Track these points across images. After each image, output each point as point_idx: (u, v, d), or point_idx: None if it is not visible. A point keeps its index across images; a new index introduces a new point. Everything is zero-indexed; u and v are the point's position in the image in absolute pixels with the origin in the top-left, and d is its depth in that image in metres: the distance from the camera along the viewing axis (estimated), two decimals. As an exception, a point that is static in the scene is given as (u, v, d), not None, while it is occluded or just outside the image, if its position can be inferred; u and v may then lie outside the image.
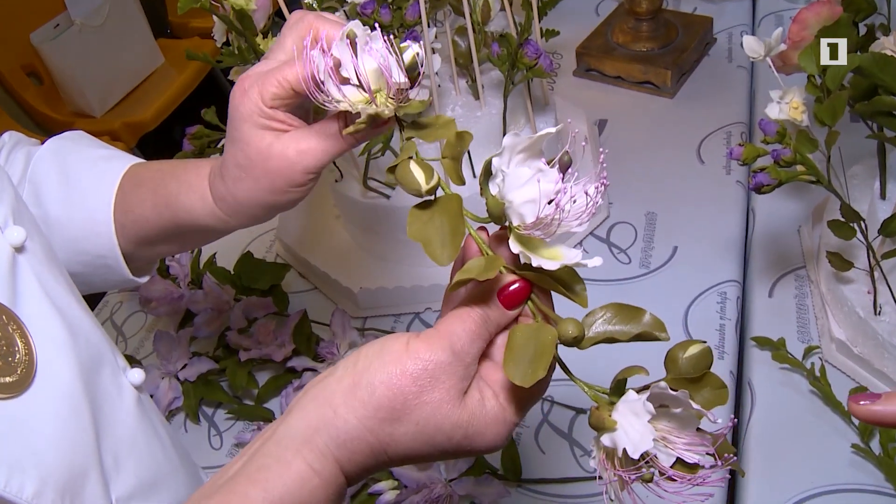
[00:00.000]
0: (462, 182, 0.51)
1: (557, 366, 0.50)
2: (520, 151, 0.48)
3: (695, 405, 0.45)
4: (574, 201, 0.47)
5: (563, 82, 1.36)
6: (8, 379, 0.48)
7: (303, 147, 0.57)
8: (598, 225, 1.10)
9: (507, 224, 0.49)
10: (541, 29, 1.04)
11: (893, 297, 0.85)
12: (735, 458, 0.46)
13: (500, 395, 0.49)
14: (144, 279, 0.74)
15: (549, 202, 0.46)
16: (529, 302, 0.50)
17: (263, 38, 0.96)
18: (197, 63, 2.29)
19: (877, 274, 0.86)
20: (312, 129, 0.57)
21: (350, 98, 0.51)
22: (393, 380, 0.46)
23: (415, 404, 0.46)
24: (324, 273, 1.08)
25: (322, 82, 0.51)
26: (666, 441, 0.46)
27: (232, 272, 1.10)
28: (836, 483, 0.80)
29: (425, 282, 1.03)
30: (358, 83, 0.51)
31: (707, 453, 0.46)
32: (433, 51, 0.93)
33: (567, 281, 0.48)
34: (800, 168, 0.75)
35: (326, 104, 0.51)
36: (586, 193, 0.47)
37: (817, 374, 0.87)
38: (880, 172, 0.91)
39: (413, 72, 0.52)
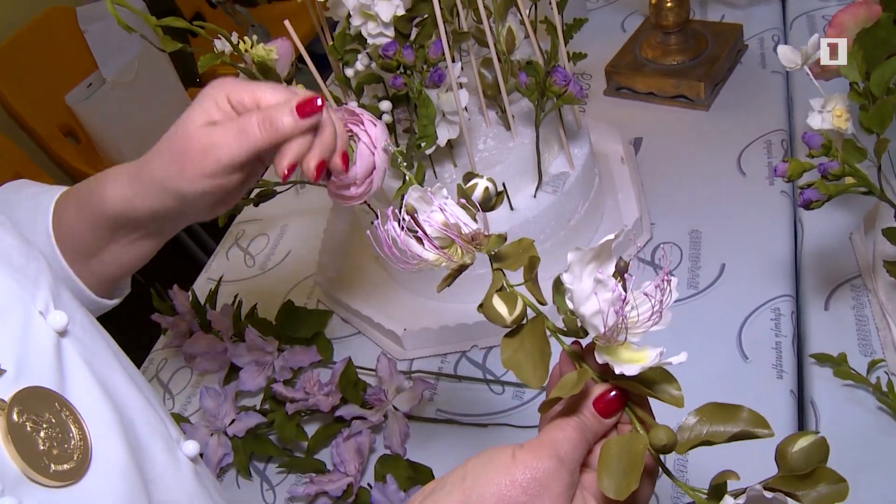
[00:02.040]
0: (543, 303, 0.53)
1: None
2: (589, 262, 0.49)
3: None
4: (639, 305, 0.48)
5: (595, 103, 1.34)
6: (66, 466, 0.48)
7: (217, 138, 0.61)
8: (642, 247, 1.08)
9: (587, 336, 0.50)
10: (567, 53, 1.02)
11: (958, 303, 0.82)
12: None
13: None
14: (114, 301, 0.76)
15: (619, 315, 0.47)
16: (627, 408, 0.51)
17: (288, 85, 0.96)
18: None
19: (938, 280, 0.83)
20: (233, 124, 0.61)
21: (431, 258, 0.54)
22: (503, 490, 0.46)
23: None
24: (366, 317, 1.06)
25: (403, 251, 0.54)
26: None
27: (274, 322, 1.09)
28: (907, 502, 0.77)
29: (470, 319, 1.01)
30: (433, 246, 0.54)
31: None
32: (460, 86, 0.91)
33: (659, 382, 0.49)
34: (849, 180, 0.72)
35: (408, 268, 0.54)
36: (646, 295, 0.48)
37: (884, 388, 0.84)
38: (930, 174, 0.88)
39: (488, 203, 0.55)
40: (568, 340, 0.53)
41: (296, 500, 0.94)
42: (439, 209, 0.53)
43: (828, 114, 0.80)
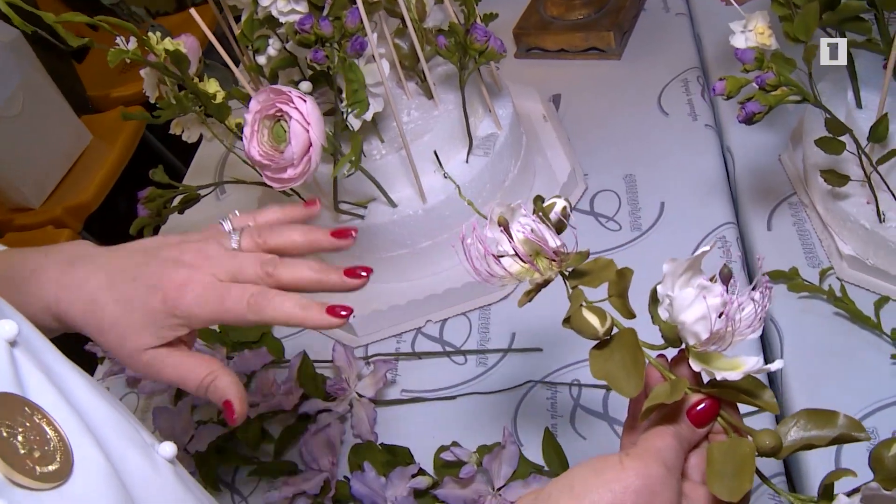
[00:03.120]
0: (632, 316, 0.54)
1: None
2: (682, 274, 0.50)
3: None
4: (742, 309, 0.49)
5: (508, 67, 1.33)
6: (51, 468, 0.45)
7: (164, 372, 0.62)
8: (578, 199, 1.07)
9: (683, 346, 0.51)
10: (478, 16, 1.01)
11: (896, 201, 0.84)
12: None
13: None
14: None
15: (720, 315, 0.48)
16: (719, 417, 0.51)
17: (200, 80, 0.92)
18: (127, 132, 2.23)
19: (874, 182, 0.84)
20: (181, 366, 0.62)
21: (514, 272, 0.55)
22: (618, 497, 0.46)
23: None
24: (313, 309, 1.03)
25: (485, 267, 0.55)
26: None
27: (218, 330, 1.05)
28: (883, 398, 0.78)
29: (419, 294, 0.99)
30: (518, 258, 0.55)
31: None
32: (378, 57, 0.89)
33: (752, 390, 0.50)
34: (783, 90, 0.73)
35: (493, 283, 0.56)
36: (752, 300, 0.49)
37: (838, 293, 0.85)
38: (852, 82, 0.89)
39: (562, 225, 0.57)
40: (653, 353, 0.53)
41: (271, 507, 0.90)
42: (531, 220, 0.54)
43: (750, 33, 0.80)
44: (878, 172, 0.83)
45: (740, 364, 0.48)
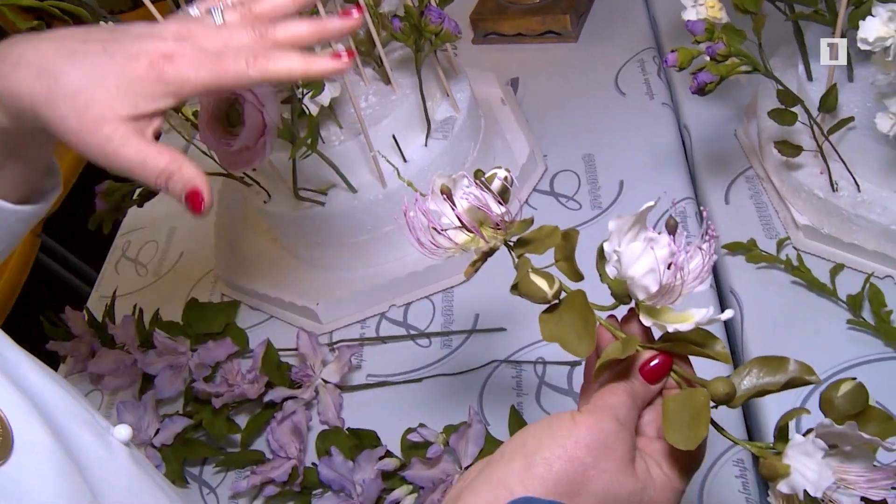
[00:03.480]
0: (580, 278, 0.53)
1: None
2: (628, 230, 0.49)
3: (867, 435, 0.43)
4: (691, 260, 0.49)
5: (466, 53, 1.34)
6: None
7: (123, 153, 0.52)
8: (538, 180, 1.08)
9: (633, 302, 0.51)
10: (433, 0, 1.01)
11: (847, 170, 0.85)
12: None
13: (662, 465, 0.49)
14: (38, 206, 0.65)
15: (668, 267, 0.48)
16: (672, 372, 0.51)
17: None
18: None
19: (826, 152, 0.86)
20: (142, 151, 0.53)
21: (459, 242, 0.54)
22: (570, 451, 0.46)
23: (593, 474, 0.46)
24: (277, 298, 1.03)
25: (429, 239, 0.54)
26: (845, 482, 0.45)
27: (181, 322, 1.05)
28: (841, 362, 0.79)
29: (382, 279, 0.99)
30: (463, 227, 0.54)
31: (893, 487, 0.44)
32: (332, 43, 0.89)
33: (703, 342, 0.49)
34: (734, 61, 0.73)
35: (439, 255, 0.54)
36: (700, 249, 0.49)
37: (795, 263, 0.86)
38: (802, 54, 0.91)
39: (506, 193, 0.55)
40: (603, 314, 0.53)
41: (240, 496, 0.90)
42: (474, 187, 0.53)
43: (701, 6, 0.81)
44: (829, 142, 0.84)
45: (690, 316, 0.48)
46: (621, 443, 0.47)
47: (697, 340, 0.49)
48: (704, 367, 0.51)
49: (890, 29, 0.65)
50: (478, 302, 0.97)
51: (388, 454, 0.84)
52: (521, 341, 0.91)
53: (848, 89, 0.88)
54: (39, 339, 1.09)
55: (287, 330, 1.03)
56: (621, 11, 1.30)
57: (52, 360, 1.13)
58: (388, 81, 0.99)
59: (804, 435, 0.46)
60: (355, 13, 0.58)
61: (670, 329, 0.48)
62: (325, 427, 0.90)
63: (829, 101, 0.83)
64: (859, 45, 0.68)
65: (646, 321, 0.50)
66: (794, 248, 0.90)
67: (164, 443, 0.93)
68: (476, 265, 0.55)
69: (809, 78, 0.91)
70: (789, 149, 0.87)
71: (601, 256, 0.51)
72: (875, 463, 0.45)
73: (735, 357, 0.85)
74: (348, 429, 0.89)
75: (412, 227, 0.53)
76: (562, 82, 1.22)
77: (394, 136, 0.96)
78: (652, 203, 0.50)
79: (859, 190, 0.86)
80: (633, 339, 0.50)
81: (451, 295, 1.00)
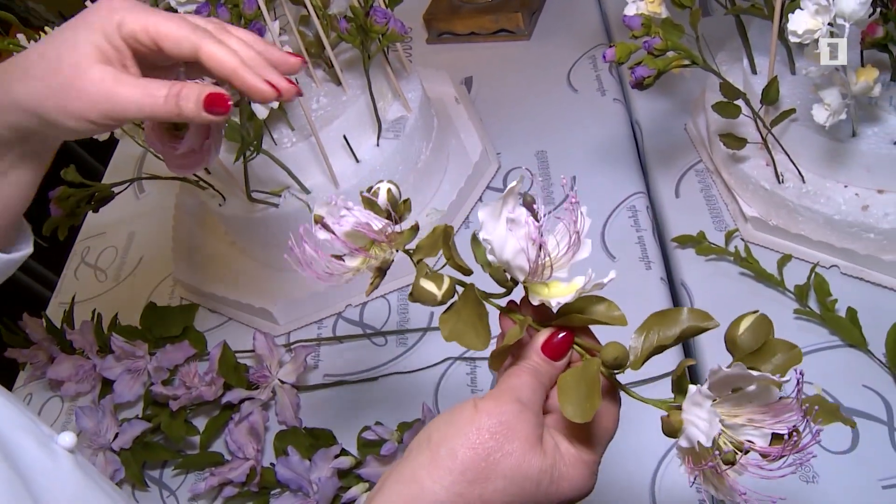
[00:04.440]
0: (469, 272, 0.53)
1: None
2: (499, 216, 0.48)
3: (757, 372, 0.44)
4: (557, 233, 0.49)
5: (420, 53, 1.34)
6: None
7: (120, 93, 0.53)
8: (492, 177, 1.09)
9: (518, 284, 0.50)
10: (383, 1, 1.01)
11: (791, 161, 0.86)
12: (817, 409, 0.45)
13: (571, 439, 0.49)
14: (18, 254, 0.67)
15: (538, 245, 0.47)
16: (574, 345, 0.51)
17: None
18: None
19: (770, 144, 0.87)
20: (139, 83, 0.54)
21: (355, 265, 0.53)
22: (472, 439, 0.46)
23: (499, 457, 0.46)
24: (234, 301, 1.03)
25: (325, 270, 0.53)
26: (754, 423, 0.46)
27: (139, 327, 1.05)
28: (789, 352, 0.80)
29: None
30: (350, 251, 0.53)
31: (798, 417, 0.45)
32: (281, 45, 0.89)
33: (597, 308, 0.49)
34: (672, 55, 0.75)
35: (335, 281, 0.53)
36: (559, 218, 0.49)
37: (743, 254, 0.88)
38: (745, 49, 0.92)
39: (396, 204, 0.54)
40: (501, 302, 0.53)
41: (199, 498, 0.90)
42: (347, 210, 0.52)
43: (641, 2, 0.82)
44: (772, 134, 0.85)
45: (575, 284, 0.48)
46: (524, 423, 0.47)
47: (592, 308, 0.49)
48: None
49: (818, 21, 0.66)
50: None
51: (344, 452, 0.84)
52: (475, 337, 0.92)
53: (790, 82, 0.89)
54: (-2, 347, 1.08)
55: (245, 332, 1.03)
56: (573, 8, 1.32)
57: (11, 368, 1.13)
58: (338, 82, 1.00)
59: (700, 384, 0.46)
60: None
61: (553, 303, 0.48)
62: (283, 427, 0.91)
63: (770, 94, 0.84)
64: (790, 37, 0.69)
65: (534, 300, 0.49)
66: (743, 239, 0.92)
67: (123, 446, 0.93)
68: (374, 282, 0.54)
69: (754, 71, 0.93)
70: (734, 141, 0.88)
71: (477, 245, 0.51)
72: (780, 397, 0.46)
73: (686, 349, 0.86)
74: (305, 428, 0.89)
75: (303, 261, 0.52)
76: (515, 80, 1.23)
77: (345, 137, 0.96)
78: (515, 184, 0.48)
79: (804, 181, 0.87)
80: (525, 320, 0.50)
81: (407, 293, 1.00)
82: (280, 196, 0.98)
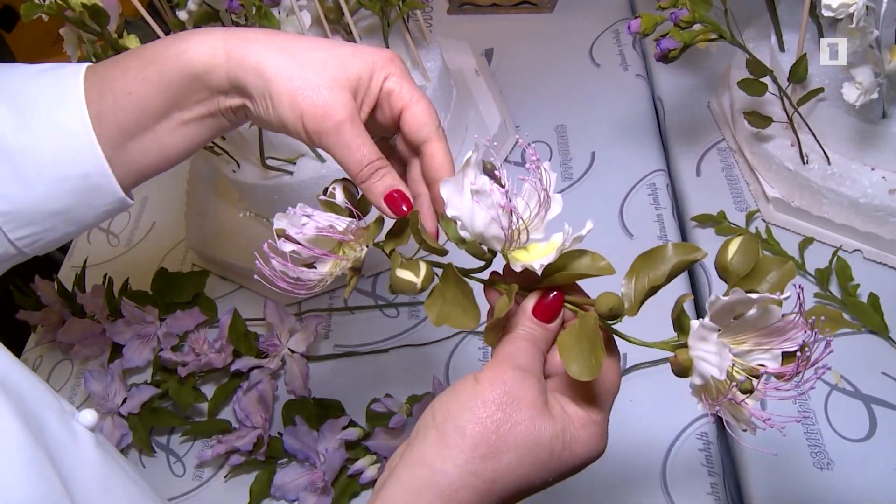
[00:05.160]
0: (444, 252, 0.52)
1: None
2: (463, 186, 0.47)
3: (756, 294, 0.43)
4: (524, 195, 0.48)
5: (441, 23, 1.32)
6: None
7: (348, 133, 0.52)
8: (510, 150, 1.07)
9: (497, 254, 0.50)
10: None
11: (817, 142, 0.84)
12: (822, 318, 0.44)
13: (577, 401, 0.48)
14: (133, 202, 0.63)
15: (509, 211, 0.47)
16: (565, 304, 0.50)
17: (119, 37, 0.90)
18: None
19: (796, 124, 0.85)
20: (366, 135, 0.53)
21: (327, 270, 0.52)
22: (478, 413, 0.45)
23: (508, 429, 0.45)
24: (246, 268, 1.02)
25: (297, 279, 0.51)
26: (762, 345, 0.45)
27: (150, 292, 1.04)
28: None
29: (352, 250, 0.98)
30: (318, 257, 0.52)
31: (805, 331, 0.43)
32: (299, 11, 0.87)
33: (582, 262, 0.48)
34: (699, 28, 0.73)
35: (311, 288, 0.52)
36: (524, 179, 0.48)
37: (764, 236, 0.86)
38: (774, 25, 0.90)
39: (355, 200, 0.54)
40: (483, 275, 0.52)
41: (206, 465, 0.90)
42: (308, 217, 0.51)
43: (668, -27, 0.80)
44: (798, 113, 0.83)
45: (555, 243, 0.47)
46: (528, 389, 0.46)
47: (577, 263, 0.48)
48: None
49: (853, -5, 0.64)
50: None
51: (352, 424, 0.84)
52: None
53: (819, 60, 0.87)
54: (8, 309, 1.08)
55: (257, 300, 1.03)
56: (598, -19, 1.29)
57: (22, 330, 1.12)
58: (357, 50, 0.98)
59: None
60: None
61: (537, 266, 0.47)
62: (292, 397, 0.90)
63: (798, 72, 0.82)
64: (823, 11, 0.67)
65: (517, 267, 0.48)
66: (764, 220, 0.90)
67: (132, 411, 0.93)
68: (351, 282, 0.53)
69: (781, 48, 0.91)
70: (759, 120, 0.86)
71: (447, 223, 0.50)
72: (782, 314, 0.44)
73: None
74: (314, 398, 0.89)
75: (272, 276, 0.51)
76: (536, 53, 1.21)
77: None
78: (471, 153, 0.47)
79: (829, 162, 0.85)
80: (511, 288, 0.49)
81: (421, 266, 0.99)
82: (294, 164, 0.97)
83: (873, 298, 0.79)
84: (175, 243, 1.16)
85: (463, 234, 0.49)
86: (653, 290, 0.47)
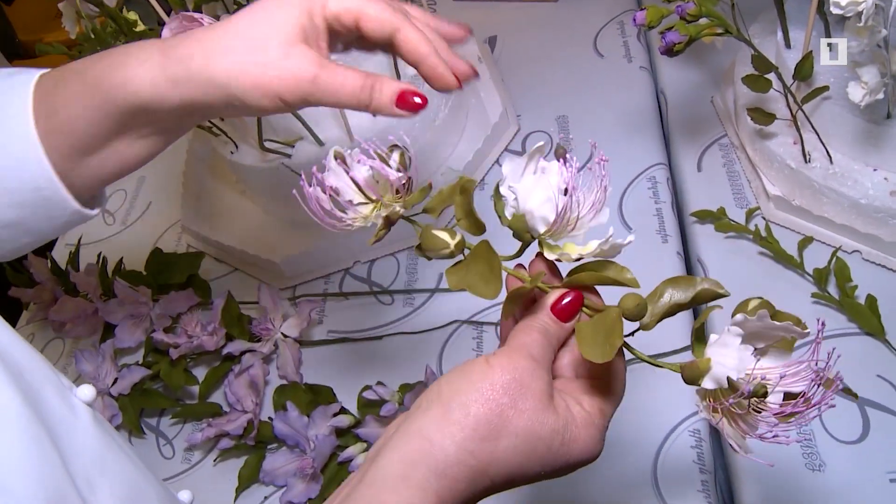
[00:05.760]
0: (482, 230, 0.52)
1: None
2: (523, 172, 0.49)
3: (778, 322, 0.43)
4: (584, 187, 0.48)
5: (445, 9, 1.31)
6: None
7: (325, 77, 0.53)
8: (510, 140, 1.06)
9: (536, 243, 0.51)
10: (408, -50, 0.98)
11: (820, 141, 0.84)
12: (840, 380, 0.44)
13: (582, 402, 0.49)
14: (96, 211, 0.64)
15: (564, 193, 0.47)
16: (583, 308, 0.51)
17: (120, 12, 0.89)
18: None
19: (799, 122, 0.84)
20: (341, 69, 0.54)
21: (362, 213, 0.52)
22: (486, 394, 0.45)
23: (511, 414, 0.45)
24: (241, 251, 1.01)
25: (332, 211, 0.52)
26: (765, 381, 0.44)
27: (144, 272, 1.03)
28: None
29: (347, 234, 0.97)
30: (361, 193, 0.52)
31: (811, 377, 0.44)
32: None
33: (611, 273, 0.49)
34: (705, 22, 0.72)
35: (345, 228, 0.53)
36: (590, 170, 0.49)
37: (763, 234, 0.85)
38: (780, 21, 0.89)
39: (407, 168, 0.53)
40: (510, 265, 0.52)
41: (195, 449, 0.89)
42: (366, 155, 0.51)
43: (676, -35, 0.79)
44: (802, 111, 0.83)
45: (592, 244, 0.48)
46: (538, 380, 0.47)
47: (606, 271, 0.49)
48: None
49: (862, -7, 0.63)
50: (442, 261, 0.96)
51: (344, 411, 0.83)
52: (483, 302, 0.90)
53: (825, 58, 0.86)
54: (2, 285, 1.07)
55: (251, 283, 1.02)
56: (605, -29, 1.28)
57: (15, 307, 1.12)
58: (360, 33, 0.97)
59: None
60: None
61: (574, 256, 0.48)
62: (283, 382, 0.90)
63: (804, 69, 0.81)
64: (831, 9, 0.66)
65: (550, 256, 0.49)
66: (764, 218, 0.89)
67: (122, 392, 0.92)
68: (380, 234, 0.53)
69: (787, 45, 0.90)
70: (762, 116, 0.85)
71: (498, 198, 0.51)
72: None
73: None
74: (305, 384, 0.88)
75: (310, 198, 0.52)
76: (540, 42, 1.20)
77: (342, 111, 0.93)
78: (541, 143, 0.49)
79: (831, 162, 0.84)
80: (538, 276, 0.50)
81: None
82: (293, 146, 0.96)
83: (871, 300, 0.78)
84: (170, 224, 1.15)
85: (508, 211, 0.50)
86: (676, 309, 0.48)
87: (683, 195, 0.95)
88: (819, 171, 0.84)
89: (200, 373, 0.93)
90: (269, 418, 0.86)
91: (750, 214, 0.88)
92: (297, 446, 0.83)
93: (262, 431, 0.85)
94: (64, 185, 0.58)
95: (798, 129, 0.85)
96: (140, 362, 0.95)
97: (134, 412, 0.92)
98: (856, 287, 0.80)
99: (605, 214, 0.49)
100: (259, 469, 0.84)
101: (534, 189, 0.47)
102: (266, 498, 0.83)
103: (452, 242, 0.51)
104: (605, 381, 0.49)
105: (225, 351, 0.91)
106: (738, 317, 0.43)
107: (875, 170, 0.83)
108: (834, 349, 0.44)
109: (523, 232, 0.50)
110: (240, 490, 0.83)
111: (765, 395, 0.44)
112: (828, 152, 0.84)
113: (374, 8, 0.55)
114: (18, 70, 0.60)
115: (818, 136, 0.83)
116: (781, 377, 0.44)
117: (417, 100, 0.54)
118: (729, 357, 0.44)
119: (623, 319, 0.47)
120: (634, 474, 0.75)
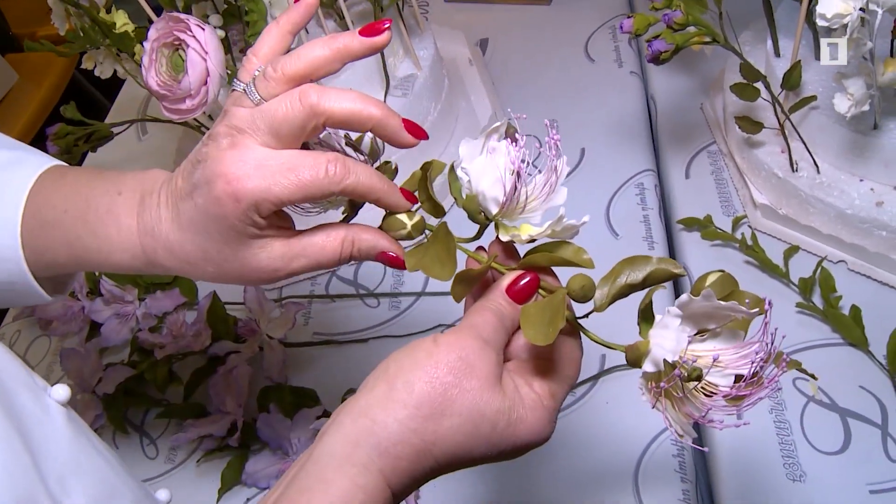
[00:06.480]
0: (442, 213, 0.53)
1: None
2: (481, 149, 0.49)
3: (724, 303, 0.43)
4: (533, 167, 0.49)
5: (437, 11, 1.31)
6: None
7: (298, 265, 0.52)
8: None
9: (490, 222, 0.50)
10: (399, -47, 0.98)
11: (808, 150, 0.84)
12: (787, 358, 0.45)
13: (532, 384, 0.49)
14: (61, 297, 0.64)
15: (514, 174, 0.47)
16: (539, 291, 0.50)
17: (108, 13, 0.89)
18: (55, 72, 2.17)
19: (787, 131, 0.84)
20: (312, 249, 0.52)
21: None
22: (430, 372, 0.45)
23: (456, 393, 0.45)
24: (228, 251, 1.01)
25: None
26: (716, 363, 0.44)
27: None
28: (787, 346, 0.78)
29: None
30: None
31: (762, 360, 0.44)
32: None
33: (566, 252, 0.48)
34: (692, 30, 0.72)
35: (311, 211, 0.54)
36: (538, 148, 0.51)
37: (749, 242, 0.85)
38: (770, 30, 0.89)
39: (375, 155, 0.54)
40: (470, 247, 0.53)
41: (179, 449, 0.89)
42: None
43: (665, -27, 0.79)
44: (790, 120, 0.83)
45: (544, 227, 0.48)
46: (485, 360, 0.46)
47: (562, 252, 0.48)
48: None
49: (848, 5, 0.63)
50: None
51: (326, 414, 0.83)
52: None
53: (814, 68, 0.86)
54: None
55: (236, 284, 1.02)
56: (597, -25, 1.28)
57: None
58: (349, 35, 0.97)
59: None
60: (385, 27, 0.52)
61: (524, 237, 0.48)
62: (268, 383, 0.89)
63: (792, 79, 0.81)
64: (817, 21, 0.66)
65: (504, 237, 0.49)
66: (750, 227, 0.89)
67: (107, 391, 0.92)
68: (347, 215, 0.54)
69: (777, 54, 0.90)
70: (750, 125, 0.85)
71: (454, 179, 0.51)
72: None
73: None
74: (289, 386, 0.88)
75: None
76: (532, 46, 1.20)
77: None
78: (498, 123, 0.49)
79: (818, 171, 0.84)
80: (493, 256, 0.50)
81: (404, 256, 0.98)
82: (281, 148, 0.96)
83: (855, 311, 0.78)
84: (159, 222, 1.14)
85: (463, 191, 0.50)
86: (628, 290, 0.47)
87: (671, 202, 0.95)
88: (806, 180, 0.85)
89: (184, 373, 0.93)
90: (253, 420, 0.85)
91: (737, 223, 0.89)
92: (279, 448, 0.82)
93: (246, 433, 0.85)
94: (37, 283, 0.59)
95: (786, 139, 0.85)
96: (125, 361, 0.95)
97: (118, 411, 0.92)
98: (840, 297, 0.80)
99: (561, 195, 0.49)
100: (242, 470, 0.83)
101: (485, 170, 0.48)
102: (248, 500, 0.83)
103: (409, 223, 0.51)
104: (555, 362, 0.49)
105: (210, 351, 0.91)
106: (683, 297, 0.43)
107: (861, 180, 0.83)
108: (776, 329, 0.44)
109: (476, 213, 0.50)
110: (222, 491, 0.83)
111: (699, 377, 0.43)
112: (815, 162, 0.84)
113: (291, 185, 0.48)
114: (20, 159, 0.60)
115: (805, 145, 0.84)
116: (715, 359, 0.43)
117: (393, 255, 0.53)
118: (668, 339, 0.44)
119: (574, 302, 0.47)
120: (615, 480, 0.75)
